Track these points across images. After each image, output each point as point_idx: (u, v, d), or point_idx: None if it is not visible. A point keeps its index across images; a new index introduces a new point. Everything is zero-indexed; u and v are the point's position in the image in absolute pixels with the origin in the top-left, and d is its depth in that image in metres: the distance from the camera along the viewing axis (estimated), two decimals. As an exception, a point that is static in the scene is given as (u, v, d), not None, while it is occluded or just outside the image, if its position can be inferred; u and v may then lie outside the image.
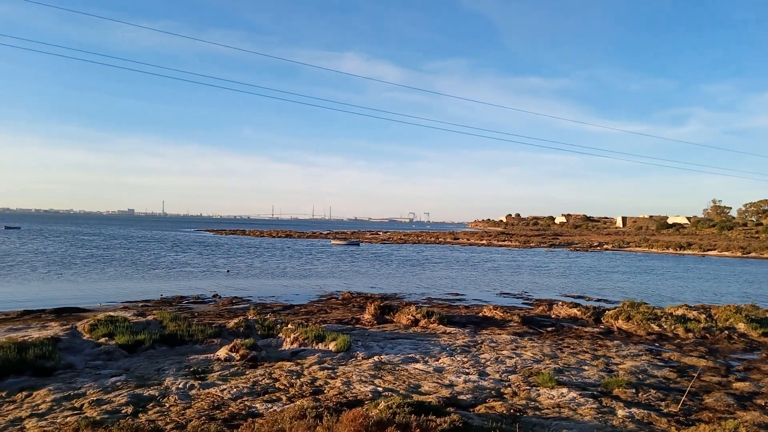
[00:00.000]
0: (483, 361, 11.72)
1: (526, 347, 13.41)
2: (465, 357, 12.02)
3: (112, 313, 15.41)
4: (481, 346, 13.31)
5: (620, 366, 11.77)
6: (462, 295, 27.04)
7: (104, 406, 7.96)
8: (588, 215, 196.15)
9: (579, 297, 27.06)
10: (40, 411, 7.78)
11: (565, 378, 10.41)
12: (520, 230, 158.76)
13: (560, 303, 20.64)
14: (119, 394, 8.54)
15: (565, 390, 9.41)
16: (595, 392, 9.50)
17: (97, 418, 7.32)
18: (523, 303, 24.40)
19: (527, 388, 9.60)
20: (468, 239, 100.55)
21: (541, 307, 20.90)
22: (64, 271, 34.53)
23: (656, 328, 16.56)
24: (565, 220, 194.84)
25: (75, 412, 7.72)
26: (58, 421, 7.31)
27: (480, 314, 18.70)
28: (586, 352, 13.15)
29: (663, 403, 9.07)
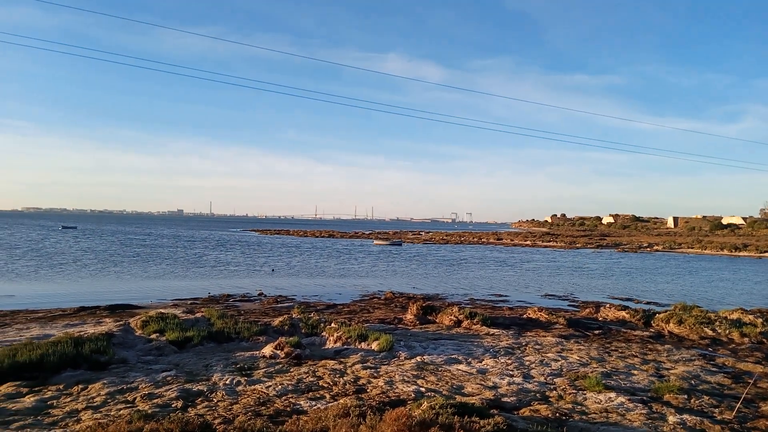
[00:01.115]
0: (527, 363, 11.55)
1: (572, 350, 13.15)
2: (509, 359, 11.88)
3: (162, 310, 15.91)
4: (525, 348, 13.13)
5: (671, 371, 11.40)
6: (505, 296, 26.72)
7: (155, 400, 8.23)
8: (637, 215, 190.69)
9: (627, 299, 26.33)
10: (95, 404, 8.11)
11: (613, 382, 10.16)
12: (566, 231, 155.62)
13: (608, 305, 20.14)
14: (169, 389, 8.81)
15: (613, 394, 9.18)
16: (644, 397, 9.23)
17: (149, 411, 7.57)
18: (568, 305, 23.93)
19: (573, 391, 9.41)
20: (512, 240, 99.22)
21: (587, 310, 20.45)
22: (116, 269, 35.86)
23: (710, 333, 15.96)
24: (612, 221, 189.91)
25: (128, 406, 8.01)
26: (112, 413, 7.60)
27: (524, 316, 18.44)
28: (635, 356, 12.79)
29: (717, 410, 8.73)
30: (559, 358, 12.06)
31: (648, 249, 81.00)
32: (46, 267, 35.76)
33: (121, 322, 14.17)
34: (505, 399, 8.82)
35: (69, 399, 8.32)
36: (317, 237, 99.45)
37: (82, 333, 12.32)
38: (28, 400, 8.14)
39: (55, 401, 8.17)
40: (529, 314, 18.45)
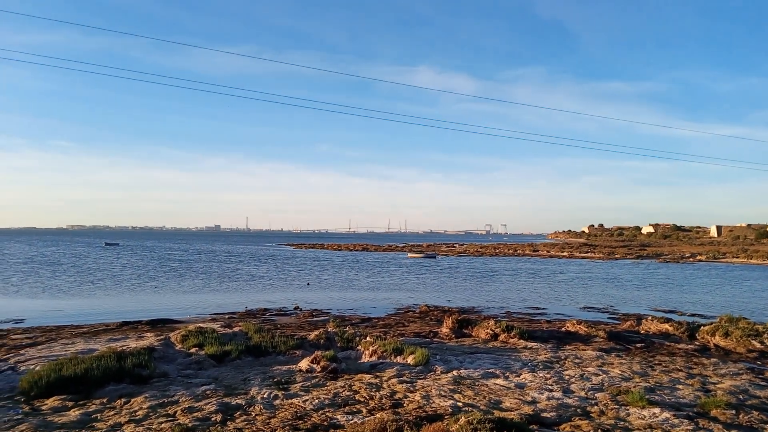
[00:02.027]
0: (567, 377, 11.31)
1: (613, 364, 12.83)
2: (548, 373, 11.65)
3: (201, 325, 16.20)
4: (564, 362, 12.86)
5: (718, 385, 10.99)
6: (543, 309, 26.27)
7: (195, 414, 8.35)
8: (678, 224, 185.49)
9: (670, 311, 25.56)
10: (138, 417, 8.28)
11: (657, 397, 9.85)
12: (604, 241, 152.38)
13: (650, 318, 19.59)
14: (209, 402, 8.94)
15: (657, 410, 8.90)
16: (690, 413, 8.92)
17: (189, 425, 7.69)
18: (608, 318, 23.37)
19: (615, 407, 9.16)
20: (548, 251, 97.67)
21: (628, 322, 19.94)
22: (155, 284, 36.71)
23: (758, 345, 15.35)
24: (652, 230, 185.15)
25: (169, 419, 8.15)
26: (153, 427, 7.75)
27: (563, 329, 18.09)
28: (680, 370, 12.39)
29: (767, 426, 8.38)
30: (600, 373, 11.77)
31: (691, 259, 78.63)
32: (90, 282, 36.86)
33: (161, 337, 14.47)
34: (544, 414, 8.65)
35: (112, 412, 8.52)
36: (351, 250, 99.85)
37: (124, 347, 12.63)
38: (74, 414, 8.37)
39: (99, 415, 8.38)
40: (567, 327, 18.09)
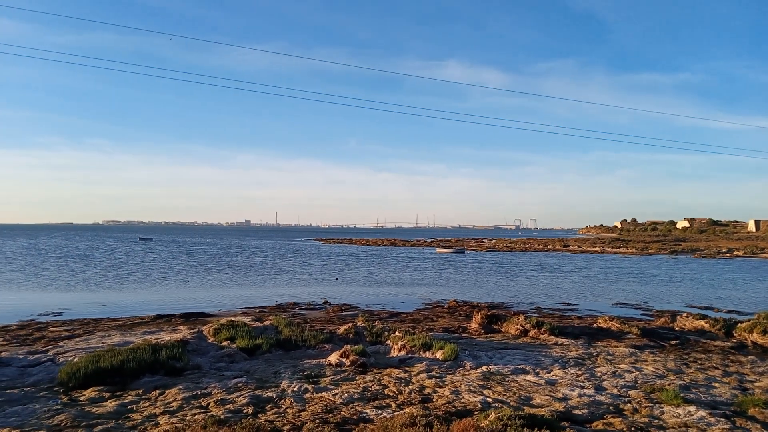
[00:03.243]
0: (599, 374, 11.14)
1: (647, 361, 12.58)
2: (579, 370, 11.50)
3: (232, 318, 16.45)
4: (596, 359, 12.67)
5: (756, 384, 10.69)
6: (573, 304, 25.91)
7: (227, 406, 8.49)
8: (715, 219, 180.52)
9: (706, 308, 24.94)
10: (172, 408, 8.46)
11: (692, 395, 9.63)
12: (637, 236, 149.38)
13: (685, 314, 19.14)
14: (240, 395, 9.07)
15: (692, 408, 8.70)
16: (727, 412, 8.70)
17: (222, 416, 7.82)
18: (642, 314, 22.92)
19: (649, 405, 8.99)
20: (579, 246, 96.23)
21: (662, 319, 19.52)
22: (188, 278, 37.40)
23: (800, 344, 14.85)
24: (688, 225, 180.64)
25: (202, 411, 8.31)
26: (187, 418, 7.91)
27: (594, 325, 17.81)
28: (716, 368, 12.09)
29: (811, 428, 8.11)
30: (633, 370, 11.56)
31: (728, 255, 76.48)
32: (124, 276, 37.76)
33: (194, 330, 14.75)
34: (576, 411, 8.54)
35: (147, 404, 8.72)
36: (379, 245, 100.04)
37: (159, 340, 12.90)
38: (110, 405, 8.59)
39: (134, 405, 8.59)
40: (599, 323, 17.81)
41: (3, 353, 12.34)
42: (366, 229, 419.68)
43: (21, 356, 12.13)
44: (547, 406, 8.78)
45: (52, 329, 16.96)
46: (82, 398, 8.97)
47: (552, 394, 9.59)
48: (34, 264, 48.17)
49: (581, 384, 10.31)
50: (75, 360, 10.84)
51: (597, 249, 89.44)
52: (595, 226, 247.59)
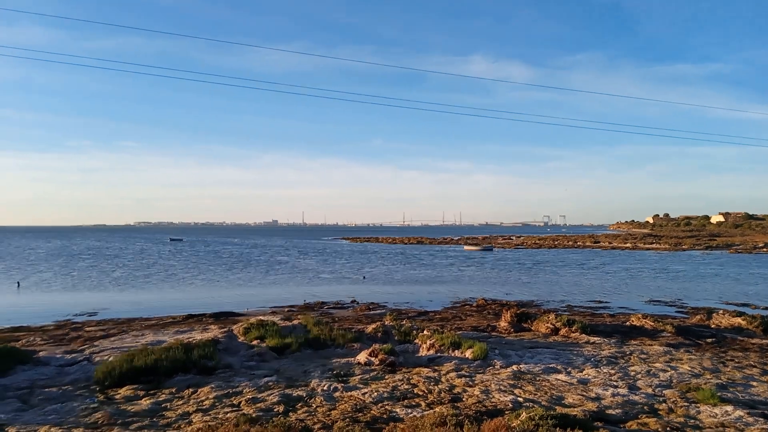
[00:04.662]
0: (632, 373, 10.93)
1: (682, 360, 12.30)
2: (612, 369, 11.29)
3: (262, 318, 16.62)
4: (629, 358, 12.43)
5: (799, 384, 10.35)
6: (605, 302, 25.49)
7: (259, 404, 8.58)
8: (750, 213, 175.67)
9: (743, 305, 24.28)
10: (204, 407, 8.58)
11: (729, 395, 9.38)
12: (670, 231, 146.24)
13: (721, 311, 18.66)
14: (271, 394, 9.16)
15: (729, 408, 8.47)
16: (766, 411, 8.44)
17: (253, 415, 7.90)
18: (676, 311, 22.42)
19: (685, 404, 8.78)
20: (610, 242, 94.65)
21: (698, 316, 19.07)
22: (217, 277, 37.93)
23: (844, 342, 14.34)
24: (723, 219, 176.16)
25: (234, 409, 8.41)
26: (219, 416, 8.01)
27: (627, 323, 17.48)
28: (754, 366, 11.75)
29: None
30: (668, 369, 11.31)
31: (764, 249, 74.33)
32: (156, 276, 38.48)
33: (225, 329, 14.94)
34: (609, 411, 8.39)
35: (181, 402, 8.86)
36: (406, 244, 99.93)
37: (190, 339, 13.11)
38: (145, 403, 8.75)
39: (168, 404, 8.74)
40: (632, 321, 17.47)
41: (41, 353, 12.69)
42: (392, 228, 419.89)
43: (58, 355, 12.45)
44: (580, 405, 8.64)
45: (87, 329, 17.37)
46: (117, 396, 9.16)
47: (584, 393, 9.44)
48: (67, 265, 49.45)
49: (614, 383, 10.13)
50: (110, 359, 11.09)
51: (628, 245, 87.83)
52: (626, 221, 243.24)
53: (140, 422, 7.78)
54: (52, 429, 7.45)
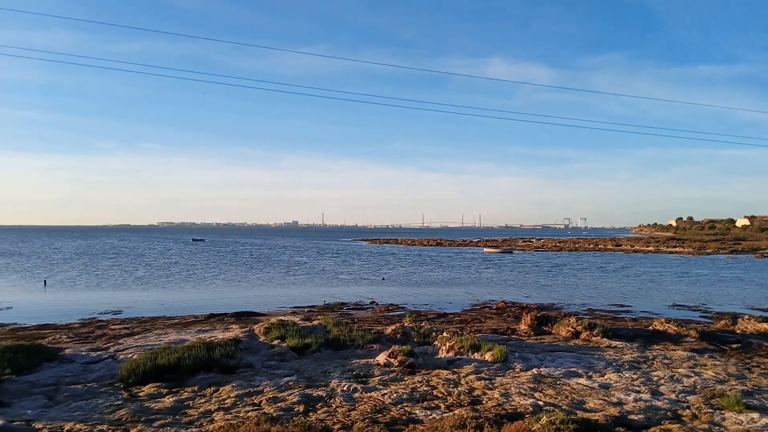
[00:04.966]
0: (655, 378, 10.78)
1: (706, 365, 12.10)
2: (634, 373, 11.16)
3: (282, 318, 16.74)
4: (652, 363, 12.27)
5: (828, 392, 10.11)
6: (627, 306, 25.16)
7: (279, 404, 8.66)
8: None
9: (770, 310, 23.75)
10: (226, 405, 8.68)
11: (755, 401, 9.20)
12: (694, 235, 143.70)
13: (746, 317, 18.31)
14: (291, 393, 9.23)
15: (755, 415, 8.32)
16: (796, 421, 8.26)
17: (274, 414, 7.98)
18: (700, 316, 22.04)
19: (709, 410, 8.64)
20: (632, 246, 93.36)
21: (722, 322, 18.73)
22: (238, 278, 38.28)
23: None
24: (748, 223, 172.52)
25: (255, 408, 8.50)
26: (241, 415, 8.10)
27: (649, 327, 17.24)
28: (783, 374, 11.50)
29: None
30: (692, 374, 11.14)
31: (793, 254, 72.55)
32: (178, 275, 38.98)
33: (246, 329, 15.08)
34: (631, 417, 8.29)
35: (203, 400, 8.98)
36: (425, 245, 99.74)
37: (212, 338, 13.26)
38: (168, 401, 8.89)
39: (191, 402, 8.86)
40: (655, 326, 17.23)
41: (67, 350, 12.95)
42: (412, 229, 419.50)
43: (84, 353, 12.70)
44: (601, 410, 8.56)
45: (112, 327, 17.68)
46: (141, 394, 9.32)
47: (606, 398, 9.34)
48: (92, 264, 50.33)
49: (637, 388, 10.01)
50: (134, 357, 11.28)
51: (651, 248, 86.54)
52: (649, 224, 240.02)
53: (163, 420, 7.91)
54: (77, 425, 7.60)
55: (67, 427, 7.51)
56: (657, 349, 14.07)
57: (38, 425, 7.58)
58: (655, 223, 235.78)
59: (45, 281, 34.71)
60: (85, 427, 7.54)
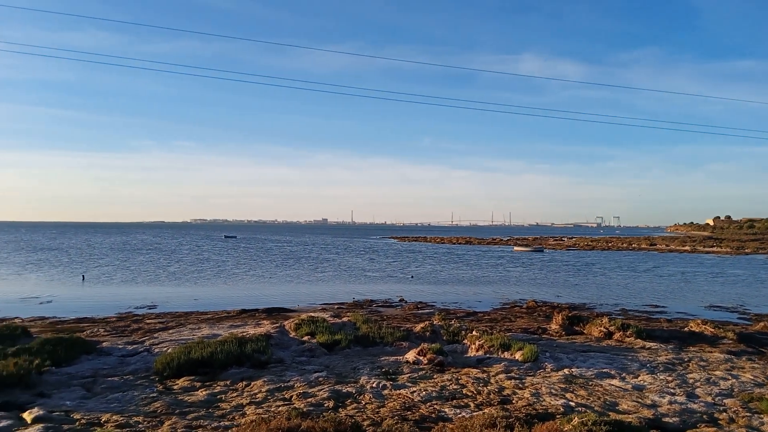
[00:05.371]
0: (691, 381, 10.54)
1: (744, 368, 11.77)
2: (669, 375, 10.93)
3: (312, 314, 16.90)
4: (688, 365, 11.99)
5: None
6: (662, 306, 24.62)
7: (309, 399, 8.75)
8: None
9: (813, 313, 22.97)
10: (257, 399, 8.81)
11: (797, 407, 8.91)
12: (732, 234, 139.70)
13: (788, 319, 17.73)
14: (321, 389, 9.31)
15: (798, 421, 8.06)
16: (840, 427, 7.99)
17: (304, 409, 8.07)
18: (738, 318, 21.45)
19: (747, 414, 8.41)
20: (667, 245, 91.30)
21: (761, 323, 18.19)
22: (269, 274, 38.74)
23: None
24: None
25: (285, 403, 8.60)
26: (272, 409, 8.21)
27: (685, 329, 16.85)
28: (826, 379, 11.11)
29: None
30: (729, 377, 10.85)
31: (838, 255, 69.95)
32: (210, 271, 39.65)
33: (276, 325, 15.27)
34: (666, 419, 8.13)
35: (235, 394, 9.13)
36: (454, 244, 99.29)
37: (244, 333, 13.46)
38: (201, 394, 9.07)
39: (223, 395, 9.02)
40: (691, 327, 16.83)
41: (104, 343, 13.32)
42: (440, 228, 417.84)
43: (120, 346, 13.04)
44: (635, 412, 8.41)
45: (147, 321, 18.10)
46: (175, 387, 9.53)
47: (639, 400, 9.18)
48: (127, 259, 51.57)
49: (671, 390, 9.80)
50: (169, 351, 11.53)
51: (687, 248, 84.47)
52: (685, 224, 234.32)
53: (197, 412, 8.07)
54: (114, 416, 7.81)
55: (104, 418, 7.72)
56: (693, 350, 13.74)
57: (77, 416, 7.81)
58: (692, 222, 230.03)
59: (83, 276, 35.71)
60: (121, 418, 7.75)
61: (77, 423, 7.53)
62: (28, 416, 7.62)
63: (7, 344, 11.71)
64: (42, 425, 7.30)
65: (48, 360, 10.38)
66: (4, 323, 16.04)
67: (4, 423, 7.37)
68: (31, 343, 11.59)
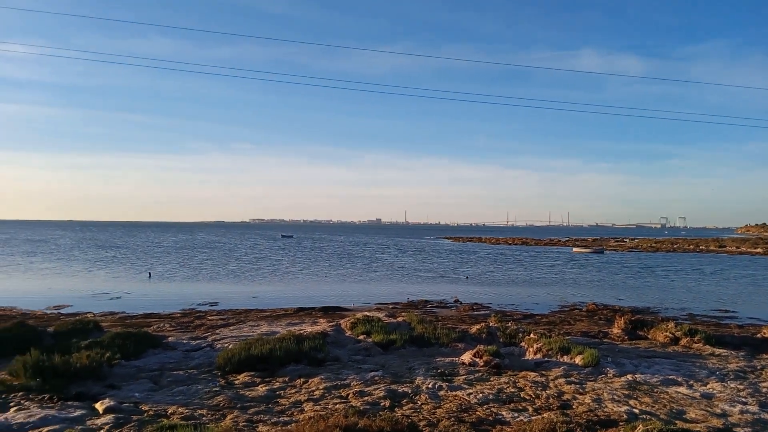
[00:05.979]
0: (764, 390, 9.98)
1: (825, 379, 11.04)
2: (740, 384, 10.38)
3: (367, 313, 17.01)
4: (761, 373, 11.36)
5: None
6: (732, 312, 23.44)
7: (365, 398, 8.82)
8: None
9: None
10: (315, 396, 8.95)
11: None
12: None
13: None
14: (377, 388, 9.37)
15: None
16: None
17: (361, 408, 8.14)
18: (817, 325, 20.13)
19: (830, 429, 7.89)
20: (737, 247, 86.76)
21: None
22: (325, 273, 39.31)
23: None
24: None
25: (342, 401, 8.71)
26: (329, 407, 8.33)
27: (758, 335, 15.96)
28: None
29: None
30: (809, 388, 10.20)
31: None
32: (269, 270, 40.60)
33: (332, 323, 15.48)
34: (736, 429, 7.73)
35: (293, 390, 9.31)
36: (510, 244, 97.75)
37: (301, 331, 13.71)
38: (261, 389, 9.30)
39: (282, 392, 9.22)
40: (764, 333, 15.92)
41: (170, 338, 13.85)
42: (495, 228, 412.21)
43: (185, 341, 13.53)
44: (703, 421, 8.04)
45: (209, 317, 18.73)
46: (236, 382, 9.81)
47: (708, 408, 8.76)
48: (190, 257, 53.48)
49: (743, 399, 9.31)
50: (230, 347, 11.88)
51: (759, 250, 79.95)
52: (757, 224, 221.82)
53: (257, 407, 8.29)
54: (179, 408, 8.12)
55: (170, 410, 8.04)
56: (766, 358, 13.01)
57: (145, 407, 8.17)
58: (764, 223, 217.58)
59: (150, 273, 37.29)
60: (186, 410, 8.05)
61: (145, 414, 7.87)
62: (100, 406, 8.03)
63: (81, 338, 12.40)
64: (113, 415, 7.67)
65: (118, 353, 10.89)
66: (78, 318, 17.01)
67: (78, 412, 7.80)
68: (102, 337, 12.20)
